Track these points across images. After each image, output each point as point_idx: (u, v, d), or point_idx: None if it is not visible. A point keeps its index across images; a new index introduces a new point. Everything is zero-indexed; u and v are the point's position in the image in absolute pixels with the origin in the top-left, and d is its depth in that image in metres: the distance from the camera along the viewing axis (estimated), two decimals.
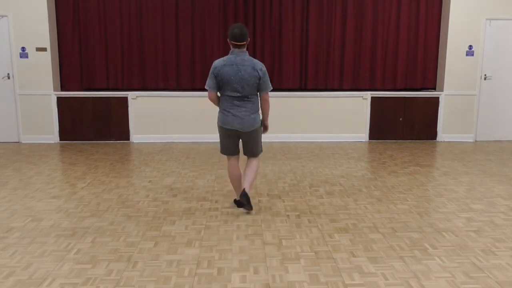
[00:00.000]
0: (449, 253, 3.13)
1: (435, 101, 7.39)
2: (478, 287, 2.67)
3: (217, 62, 3.71)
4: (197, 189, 4.66)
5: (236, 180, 3.98)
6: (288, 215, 3.88)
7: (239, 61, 3.65)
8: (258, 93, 3.81)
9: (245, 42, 3.67)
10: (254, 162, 3.98)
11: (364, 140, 7.44)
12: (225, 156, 4.17)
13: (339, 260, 3.01)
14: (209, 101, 3.90)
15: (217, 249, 3.19)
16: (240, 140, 3.96)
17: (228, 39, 3.71)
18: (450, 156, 6.31)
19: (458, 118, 7.44)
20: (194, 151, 6.59)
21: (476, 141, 7.49)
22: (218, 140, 4.03)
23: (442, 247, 3.23)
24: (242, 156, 4.08)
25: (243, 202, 3.81)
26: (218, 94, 3.86)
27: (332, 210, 4.02)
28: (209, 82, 3.75)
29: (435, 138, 7.50)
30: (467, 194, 4.51)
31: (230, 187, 4.72)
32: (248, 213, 3.92)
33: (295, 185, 4.81)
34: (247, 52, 3.74)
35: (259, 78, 3.69)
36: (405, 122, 7.42)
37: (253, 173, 3.92)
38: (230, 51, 3.72)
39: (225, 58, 3.71)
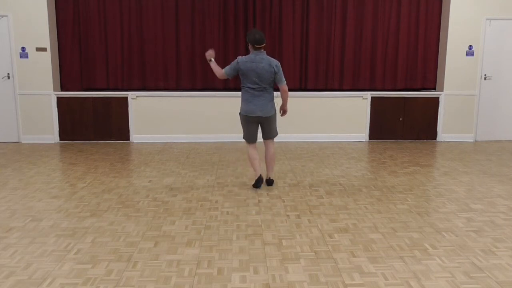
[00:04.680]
0: (449, 253, 3.13)
1: (435, 101, 7.39)
2: (478, 287, 2.67)
3: (241, 58, 4.46)
4: (197, 189, 4.66)
5: (256, 162, 4.68)
6: (288, 215, 3.88)
7: (258, 59, 4.41)
8: (278, 85, 4.55)
9: (264, 45, 4.44)
10: (272, 149, 4.72)
11: (364, 140, 7.44)
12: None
13: (339, 260, 3.01)
14: (215, 70, 4.57)
15: (217, 249, 3.19)
16: (259, 126, 4.69)
17: (249, 43, 4.44)
18: (450, 156, 6.31)
19: (458, 118, 7.44)
20: (194, 151, 6.59)
21: (476, 141, 7.49)
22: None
23: (442, 247, 3.23)
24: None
25: (268, 182, 4.78)
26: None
27: (332, 210, 4.03)
28: (228, 69, 4.49)
29: (435, 138, 7.50)
30: (467, 194, 4.51)
31: (230, 187, 4.73)
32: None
33: (295, 185, 4.81)
34: (264, 52, 4.47)
35: (275, 73, 4.45)
36: (405, 122, 7.42)
37: (274, 161, 4.78)
38: (251, 52, 4.46)
39: (247, 56, 4.46)
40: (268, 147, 4.71)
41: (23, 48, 6.99)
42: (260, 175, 4.70)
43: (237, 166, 5.66)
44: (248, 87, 4.46)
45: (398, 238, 3.40)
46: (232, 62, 4.48)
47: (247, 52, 7.35)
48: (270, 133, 4.66)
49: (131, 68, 7.35)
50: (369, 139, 7.46)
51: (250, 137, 4.63)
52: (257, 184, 4.69)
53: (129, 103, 7.21)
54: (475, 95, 7.37)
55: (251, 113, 4.49)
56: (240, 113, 4.61)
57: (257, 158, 4.67)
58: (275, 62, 4.45)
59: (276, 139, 7.34)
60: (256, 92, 4.46)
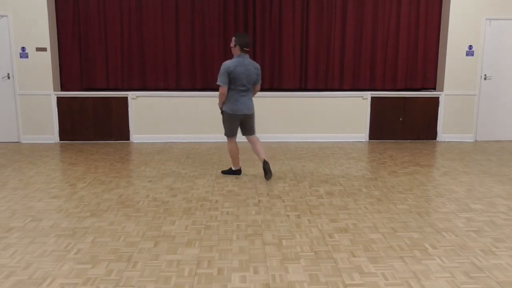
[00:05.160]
0: (449, 253, 3.13)
1: (435, 101, 7.39)
2: (478, 287, 2.67)
3: (229, 63, 4.70)
4: (197, 189, 4.66)
5: (237, 154, 5.08)
6: (288, 215, 3.88)
7: (246, 63, 4.77)
8: (256, 85, 4.97)
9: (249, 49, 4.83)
10: (259, 141, 5.06)
11: (364, 140, 7.44)
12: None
13: (339, 260, 3.01)
14: (220, 96, 4.81)
15: (217, 249, 3.19)
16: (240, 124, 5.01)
17: (238, 45, 4.72)
18: (450, 156, 6.31)
19: (458, 118, 7.45)
20: (194, 151, 6.59)
21: (476, 141, 7.49)
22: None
23: (442, 247, 3.23)
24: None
25: (266, 169, 4.91)
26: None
27: (332, 210, 4.03)
28: (223, 79, 4.71)
29: (435, 138, 7.50)
30: (467, 194, 4.51)
31: (230, 187, 4.73)
32: (269, 179, 4.94)
33: (295, 185, 4.81)
34: (248, 55, 4.85)
35: (257, 75, 4.90)
36: (405, 122, 7.42)
37: (262, 145, 5.10)
38: (238, 55, 4.75)
39: (234, 60, 4.73)
40: (254, 142, 5.05)
41: (23, 48, 6.99)
42: (240, 168, 5.22)
43: None
44: (238, 89, 4.79)
45: (398, 238, 3.40)
46: (223, 72, 4.70)
47: None
48: (252, 129, 5.05)
49: (131, 68, 7.35)
50: (369, 139, 7.46)
51: (233, 132, 4.99)
52: (236, 172, 5.20)
53: (129, 103, 7.21)
54: (475, 95, 7.37)
55: (239, 111, 4.85)
56: (225, 112, 4.90)
57: (238, 152, 5.11)
58: (257, 64, 4.89)
59: (276, 139, 7.41)
60: (243, 92, 4.84)
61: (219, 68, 7.33)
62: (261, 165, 5.67)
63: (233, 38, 4.76)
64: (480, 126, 7.49)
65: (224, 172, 5.25)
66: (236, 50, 4.76)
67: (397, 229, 3.57)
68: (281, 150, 6.64)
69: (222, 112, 4.93)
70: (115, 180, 5.01)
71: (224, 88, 4.74)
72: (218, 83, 4.75)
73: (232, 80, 4.73)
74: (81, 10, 7.15)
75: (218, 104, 4.93)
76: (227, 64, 4.70)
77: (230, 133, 4.98)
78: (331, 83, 7.50)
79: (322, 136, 7.42)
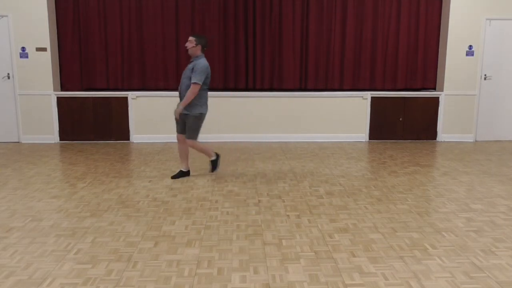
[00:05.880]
0: (449, 253, 3.13)
1: (435, 101, 7.39)
2: (478, 287, 2.67)
3: (206, 63, 4.73)
4: (197, 189, 4.66)
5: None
6: (288, 215, 3.88)
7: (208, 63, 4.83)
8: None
9: None
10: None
11: (364, 140, 7.44)
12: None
13: (339, 260, 3.01)
14: (192, 95, 4.65)
15: (217, 249, 3.19)
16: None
17: (202, 46, 4.75)
18: (450, 156, 6.31)
19: (458, 118, 7.44)
20: (194, 151, 6.57)
21: (476, 141, 7.49)
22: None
23: (442, 247, 3.23)
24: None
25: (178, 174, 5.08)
26: None
27: (332, 210, 4.03)
28: (202, 78, 4.67)
29: (435, 138, 7.50)
30: (467, 194, 4.51)
31: (230, 187, 4.73)
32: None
33: (295, 185, 4.81)
34: None
35: None
36: (405, 122, 7.42)
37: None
38: (200, 55, 4.74)
39: (204, 59, 4.74)
40: (184, 142, 4.99)
41: (23, 48, 6.99)
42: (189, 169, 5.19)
43: (237, 166, 5.66)
44: (208, 88, 4.83)
45: (398, 238, 3.40)
46: (204, 70, 4.64)
47: (246, 53, 7.36)
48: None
49: (131, 68, 7.35)
50: (369, 139, 7.46)
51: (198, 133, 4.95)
52: (186, 174, 5.14)
53: (129, 103, 7.21)
54: (475, 95, 7.37)
55: (207, 110, 4.89)
56: (202, 114, 4.79)
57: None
58: None
59: (276, 139, 7.42)
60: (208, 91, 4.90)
61: (218, 69, 7.37)
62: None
63: (193, 38, 4.70)
64: (480, 126, 7.49)
65: (174, 177, 5.04)
66: (197, 50, 4.72)
67: (397, 229, 3.57)
68: (281, 150, 6.64)
69: (196, 116, 4.74)
70: (115, 180, 5.01)
71: (199, 87, 4.67)
72: (198, 81, 4.61)
73: (205, 80, 4.72)
74: (81, 10, 7.15)
75: (183, 104, 4.66)
76: (205, 63, 4.70)
77: (197, 136, 4.87)
78: (331, 83, 7.50)
79: (322, 136, 7.42)
